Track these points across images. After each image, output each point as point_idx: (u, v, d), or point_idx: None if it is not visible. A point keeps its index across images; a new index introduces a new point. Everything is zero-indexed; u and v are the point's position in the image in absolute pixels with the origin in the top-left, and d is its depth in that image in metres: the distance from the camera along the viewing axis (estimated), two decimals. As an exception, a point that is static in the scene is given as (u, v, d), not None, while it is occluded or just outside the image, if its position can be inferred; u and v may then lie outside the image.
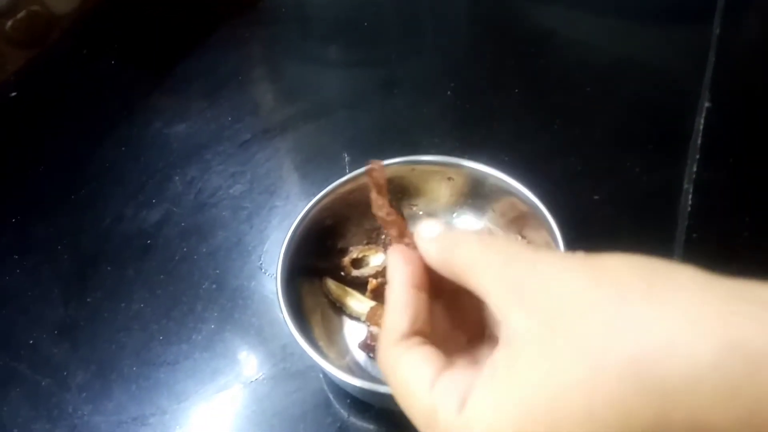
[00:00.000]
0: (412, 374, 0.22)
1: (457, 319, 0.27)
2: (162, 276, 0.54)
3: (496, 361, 0.20)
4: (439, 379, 0.22)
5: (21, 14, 0.78)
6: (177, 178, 0.63)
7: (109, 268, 0.56)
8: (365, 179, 0.47)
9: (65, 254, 0.58)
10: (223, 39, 0.81)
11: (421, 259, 0.26)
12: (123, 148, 0.68)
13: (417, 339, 0.24)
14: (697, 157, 0.56)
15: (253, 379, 0.47)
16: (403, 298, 0.25)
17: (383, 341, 0.24)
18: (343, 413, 0.44)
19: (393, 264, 0.26)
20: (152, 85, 0.76)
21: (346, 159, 0.62)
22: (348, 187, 0.47)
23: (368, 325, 0.43)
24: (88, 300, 0.54)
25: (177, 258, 0.56)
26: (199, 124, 0.69)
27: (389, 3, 0.86)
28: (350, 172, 0.47)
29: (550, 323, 0.19)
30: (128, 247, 0.57)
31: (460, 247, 0.24)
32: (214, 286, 0.53)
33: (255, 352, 0.49)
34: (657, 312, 0.17)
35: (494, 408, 0.19)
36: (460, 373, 0.22)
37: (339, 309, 0.46)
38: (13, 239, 0.60)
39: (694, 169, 0.55)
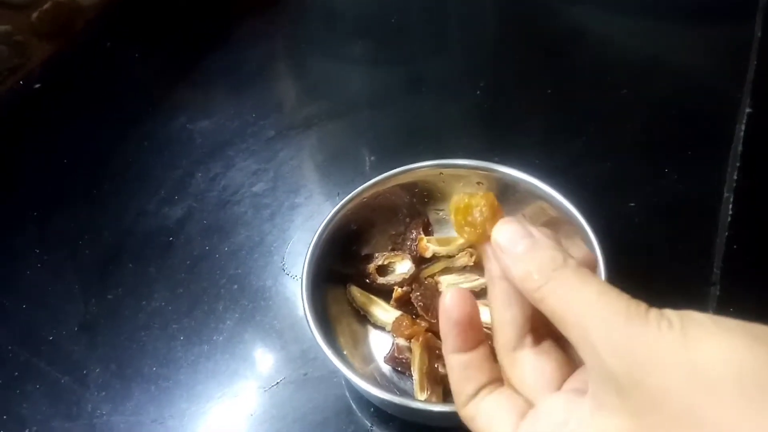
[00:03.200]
0: (492, 424, 0.24)
1: None
2: (183, 274, 0.54)
3: None
4: (520, 426, 0.23)
5: (46, 5, 0.77)
6: (200, 174, 0.63)
7: (130, 264, 0.55)
8: (390, 183, 0.46)
9: (86, 249, 0.57)
10: (247, 34, 0.80)
11: (471, 307, 0.25)
12: (146, 143, 0.67)
13: (485, 391, 0.24)
14: (738, 164, 0.54)
15: (274, 383, 0.46)
16: (458, 369, 0.25)
17: (457, 404, 0.25)
18: (366, 422, 0.43)
19: (443, 331, 0.25)
20: (176, 79, 0.75)
21: (370, 159, 0.61)
22: (373, 191, 0.46)
23: (394, 336, 0.42)
24: (109, 297, 0.53)
25: (198, 256, 0.55)
26: (223, 120, 0.68)
27: (416, -1, 0.85)
28: (374, 173, 0.46)
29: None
30: (150, 243, 0.57)
31: (557, 280, 0.21)
32: (235, 286, 0.52)
33: (276, 356, 0.48)
34: None
35: None
36: (541, 422, 0.22)
37: (364, 317, 0.45)
38: (35, 233, 0.60)
39: (735, 176, 0.53)
